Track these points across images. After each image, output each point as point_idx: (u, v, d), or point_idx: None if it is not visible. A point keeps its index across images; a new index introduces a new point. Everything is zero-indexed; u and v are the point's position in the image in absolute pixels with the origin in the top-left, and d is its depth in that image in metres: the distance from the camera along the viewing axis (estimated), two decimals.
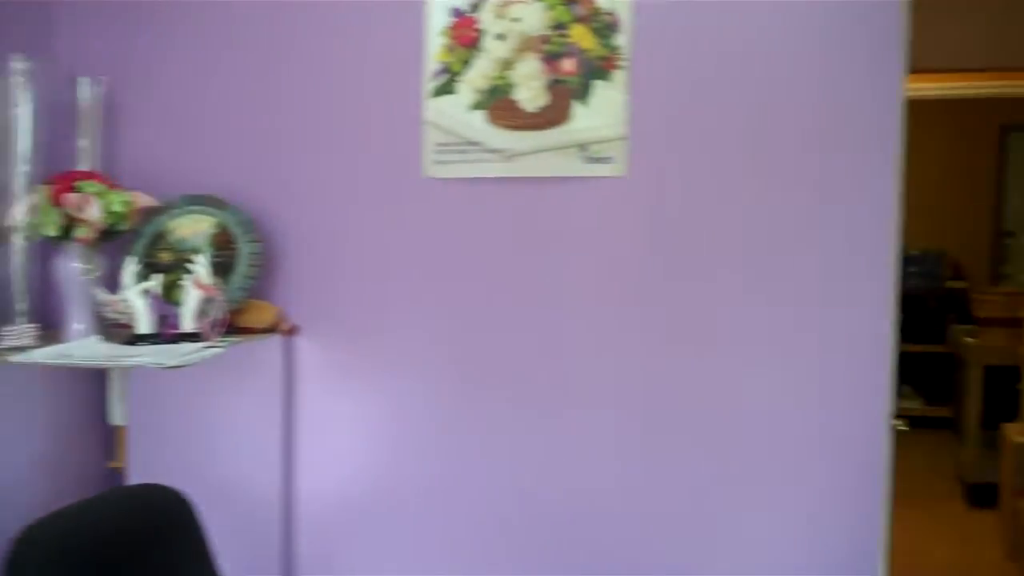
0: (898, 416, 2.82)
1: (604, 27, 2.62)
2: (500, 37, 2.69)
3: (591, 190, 2.67)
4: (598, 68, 2.63)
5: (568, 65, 2.64)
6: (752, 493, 2.64)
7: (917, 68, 4.42)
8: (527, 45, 2.67)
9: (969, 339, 6.40)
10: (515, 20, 2.67)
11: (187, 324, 2.61)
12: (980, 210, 8.21)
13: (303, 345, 2.93)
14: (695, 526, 2.68)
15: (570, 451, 2.75)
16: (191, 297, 2.63)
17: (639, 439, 2.69)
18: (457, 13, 2.73)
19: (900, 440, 7.44)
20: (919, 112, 7.59)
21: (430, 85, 2.76)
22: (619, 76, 2.62)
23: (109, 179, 2.75)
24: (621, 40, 2.62)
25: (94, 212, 2.63)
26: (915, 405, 8.12)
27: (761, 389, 2.61)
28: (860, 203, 2.51)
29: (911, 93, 5.43)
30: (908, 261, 8.21)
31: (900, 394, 8.17)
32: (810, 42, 2.52)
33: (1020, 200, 7.31)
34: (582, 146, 2.64)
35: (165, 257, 2.81)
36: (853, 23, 2.50)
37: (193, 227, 2.82)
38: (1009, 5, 4.19)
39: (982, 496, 5.90)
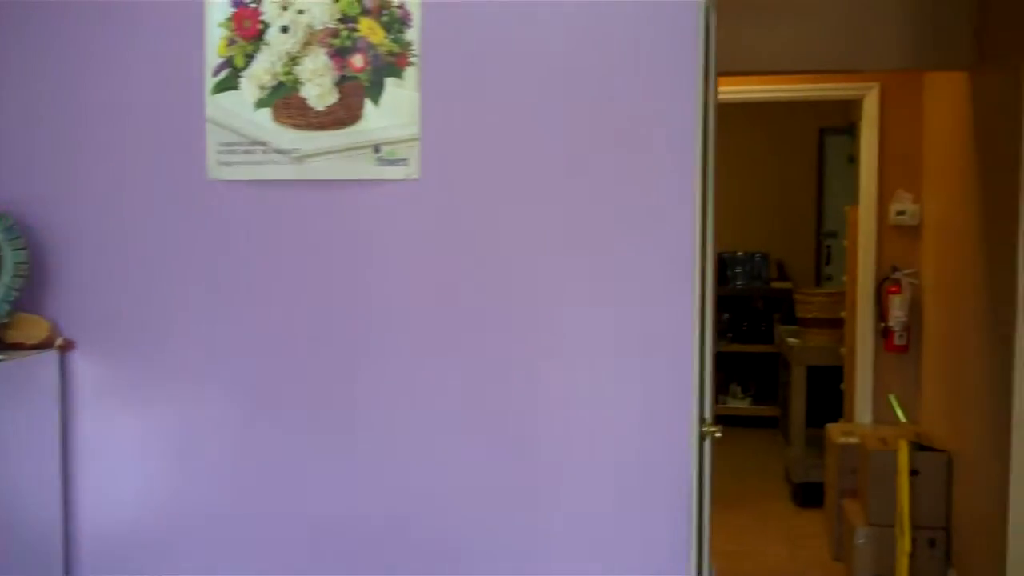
0: (717, 420, 2.75)
1: (394, 21, 2.47)
2: (285, 30, 2.51)
3: (385, 194, 2.51)
4: (389, 65, 2.47)
5: (357, 61, 2.48)
6: (560, 497, 2.52)
7: (728, 71, 4.44)
8: (313, 38, 2.49)
9: (792, 339, 6.50)
10: (300, 12, 2.50)
11: None
12: (803, 211, 8.39)
13: (80, 361, 2.69)
14: (503, 532, 2.55)
15: (368, 468, 2.58)
16: None
17: (444, 445, 2.55)
18: (238, 3, 2.53)
19: (729, 440, 7.51)
20: (742, 115, 7.73)
21: (212, 81, 2.56)
22: (411, 73, 2.47)
23: None
24: (412, 35, 2.47)
25: None
26: (744, 405, 8.24)
27: (565, 391, 2.49)
28: (661, 204, 2.42)
29: (730, 96, 5.48)
30: (734, 262, 8.33)
31: (729, 394, 8.29)
32: (609, 44, 2.42)
33: (839, 201, 7.47)
34: (375, 147, 2.49)
35: None
36: (651, 26, 2.41)
37: None
38: (814, 11, 4.23)
39: (809, 496, 5.98)
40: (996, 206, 4.00)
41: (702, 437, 3.31)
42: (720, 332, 8.25)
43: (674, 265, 2.41)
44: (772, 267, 8.37)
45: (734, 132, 8.18)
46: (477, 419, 2.53)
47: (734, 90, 5.37)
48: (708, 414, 3.54)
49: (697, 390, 2.48)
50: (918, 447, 4.59)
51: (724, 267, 8.32)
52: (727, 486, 6.47)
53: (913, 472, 4.49)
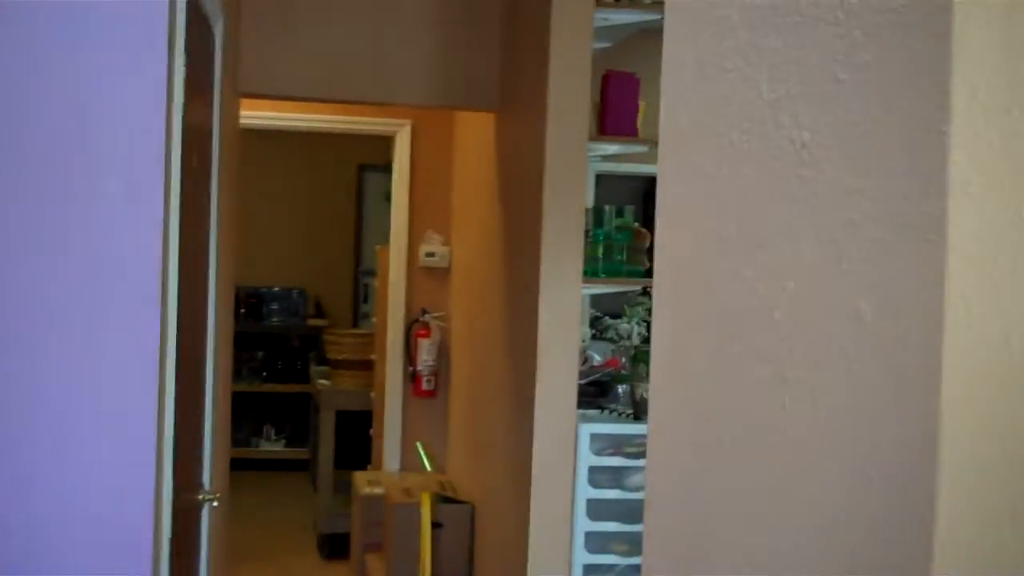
0: (250, 464, 2.35)
1: None
2: None
3: None
4: None
5: None
6: None
7: (246, 93, 4.06)
8: None
9: (323, 381, 6.21)
10: None
11: None
12: (342, 248, 8.18)
13: None
14: None
15: None
16: None
17: None
18: None
19: (261, 485, 7.05)
20: (280, 144, 7.39)
21: None
22: None
23: None
24: None
25: None
26: (278, 448, 7.85)
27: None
28: (122, 227, 1.97)
29: (260, 122, 5.11)
30: (271, 298, 7.95)
31: (263, 436, 7.87)
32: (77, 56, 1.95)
33: (377, 239, 7.32)
34: None
35: None
36: (120, 28, 1.97)
37: None
38: (343, 41, 3.97)
39: (336, 547, 5.67)
40: (519, 250, 3.92)
41: (199, 505, 2.88)
42: (254, 371, 7.83)
43: (134, 303, 1.96)
44: (310, 304, 8.08)
45: (272, 161, 7.84)
46: None
47: (265, 115, 5.00)
48: (206, 480, 3.11)
49: (165, 459, 2.05)
50: (443, 499, 4.43)
51: (261, 303, 7.92)
52: (253, 539, 6.05)
53: (436, 525, 4.32)
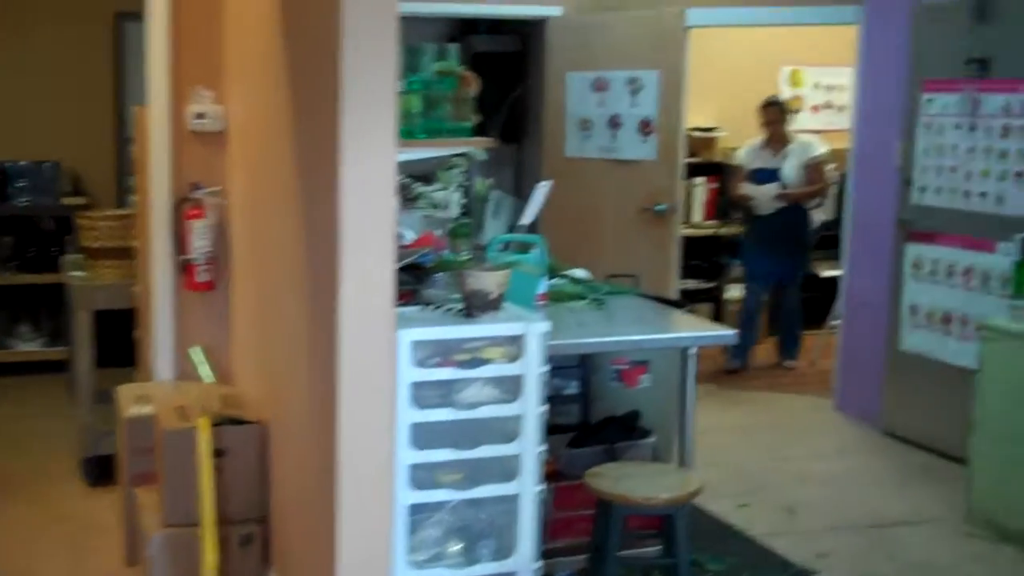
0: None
1: None
2: None
3: None
4: None
5: None
6: None
7: None
8: None
9: (77, 273, 5.16)
10: None
11: None
12: (100, 112, 6.98)
13: None
14: None
15: None
16: None
17: None
18: None
19: (16, 393, 5.95)
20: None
21: None
22: None
23: None
24: None
25: None
26: (35, 348, 6.74)
27: None
28: None
29: None
30: (17, 173, 6.72)
31: (17, 336, 6.74)
32: None
33: (141, 102, 6.17)
34: None
35: None
36: None
37: None
38: None
39: (106, 471, 4.71)
40: (313, 105, 3.03)
41: None
42: (2, 260, 6.66)
43: None
44: (65, 179, 6.89)
45: (8, 13, 6.56)
46: None
47: None
48: None
49: None
50: (228, 421, 3.57)
51: (6, 179, 6.69)
52: (6, 462, 5.06)
53: (219, 453, 3.47)
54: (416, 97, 3.03)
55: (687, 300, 6.99)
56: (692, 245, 7.01)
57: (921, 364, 5.49)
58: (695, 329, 3.80)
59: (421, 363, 2.93)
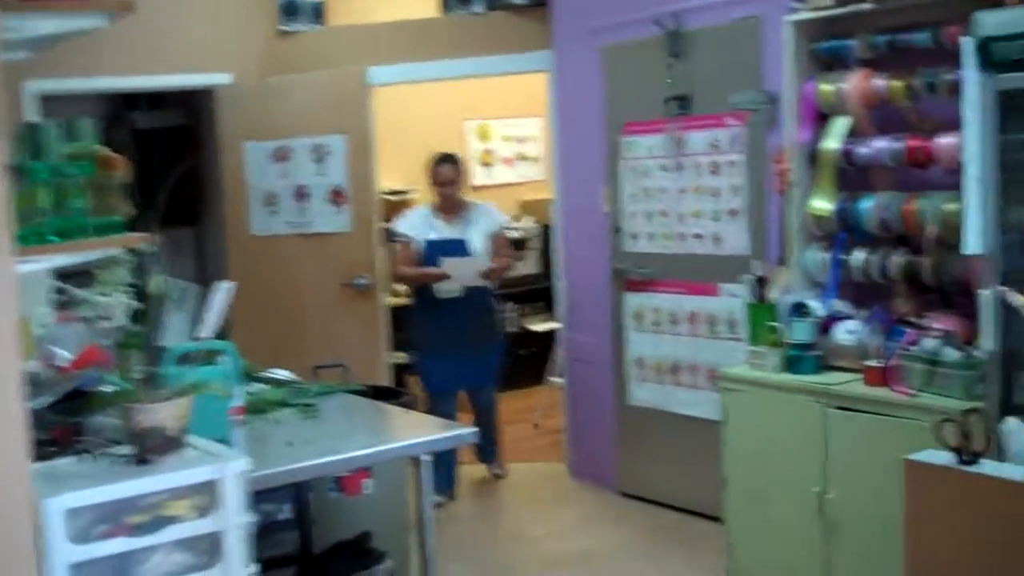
0: None
1: None
2: None
3: None
4: None
5: None
6: None
7: None
8: None
9: None
10: None
11: None
12: None
13: None
14: None
15: None
16: None
17: None
18: None
19: None
20: None
21: None
22: None
23: None
24: None
25: None
26: None
27: None
28: None
29: None
30: None
31: None
32: None
33: None
34: None
35: None
36: None
37: None
38: None
39: None
40: None
41: None
42: None
43: None
44: None
45: None
46: None
47: None
48: None
49: None
50: None
51: None
52: None
53: None
54: (43, 190, 2.34)
55: (401, 372, 6.47)
56: (400, 314, 6.49)
57: (652, 418, 5.22)
58: (423, 432, 3.23)
59: (82, 537, 2.22)
